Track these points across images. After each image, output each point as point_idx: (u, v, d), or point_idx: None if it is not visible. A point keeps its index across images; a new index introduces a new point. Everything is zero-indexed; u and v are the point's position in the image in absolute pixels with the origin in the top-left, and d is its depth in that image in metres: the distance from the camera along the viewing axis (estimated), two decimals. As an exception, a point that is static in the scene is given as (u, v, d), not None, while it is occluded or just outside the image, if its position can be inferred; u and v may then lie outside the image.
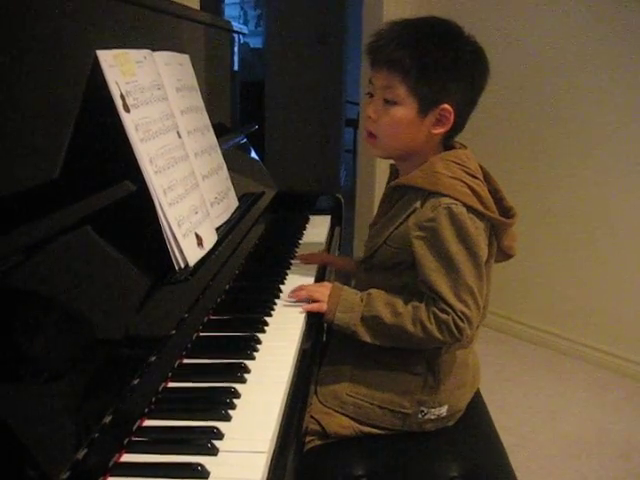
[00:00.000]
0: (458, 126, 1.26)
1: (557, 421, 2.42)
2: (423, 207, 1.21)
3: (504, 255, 1.32)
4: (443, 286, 1.17)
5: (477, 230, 1.19)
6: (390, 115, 1.23)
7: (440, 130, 1.24)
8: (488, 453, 1.31)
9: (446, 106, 1.21)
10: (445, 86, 1.20)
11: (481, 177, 1.25)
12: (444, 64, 1.18)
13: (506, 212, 1.27)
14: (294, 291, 1.35)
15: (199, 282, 1.18)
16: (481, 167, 1.29)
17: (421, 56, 1.17)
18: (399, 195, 1.29)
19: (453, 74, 1.19)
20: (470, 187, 1.19)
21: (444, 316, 1.17)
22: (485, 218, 1.20)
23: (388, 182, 1.39)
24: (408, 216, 1.23)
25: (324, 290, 1.31)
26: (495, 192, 1.27)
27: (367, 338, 1.24)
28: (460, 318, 1.17)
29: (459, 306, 1.17)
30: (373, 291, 1.27)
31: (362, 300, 1.26)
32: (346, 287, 1.31)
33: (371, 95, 1.26)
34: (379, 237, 1.29)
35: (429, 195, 1.20)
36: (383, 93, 1.22)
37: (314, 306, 1.29)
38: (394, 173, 1.38)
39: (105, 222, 0.99)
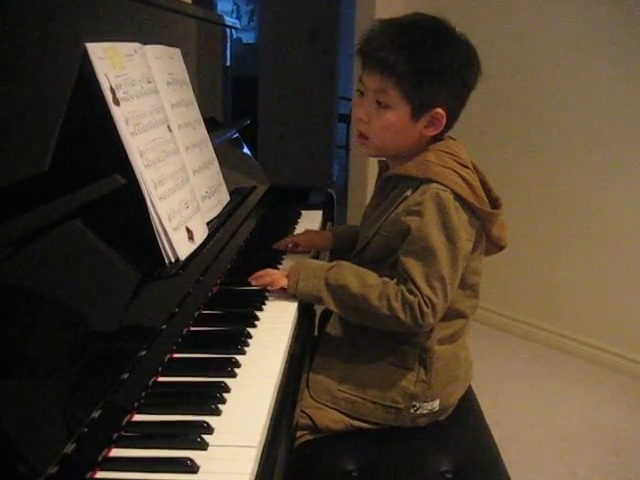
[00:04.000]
0: (449, 125, 1.26)
1: (548, 416, 2.43)
2: (413, 194, 1.22)
3: (495, 246, 1.32)
4: (415, 268, 1.17)
5: (460, 221, 1.19)
6: (382, 118, 1.23)
7: (432, 132, 1.25)
8: (479, 448, 1.31)
9: (439, 110, 1.21)
10: (438, 91, 1.20)
11: (471, 167, 1.26)
12: (438, 70, 1.18)
13: (493, 202, 1.28)
14: (255, 277, 1.33)
15: (190, 276, 1.17)
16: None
17: (415, 62, 1.17)
18: (391, 187, 1.30)
19: (446, 79, 1.19)
20: (462, 176, 1.20)
21: (410, 297, 1.17)
22: (470, 210, 1.21)
23: (378, 177, 1.39)
24: (399, 204, 1.24)
25: (285, 271, 1.31)
26: (483, 184, 1.28)
27: (332, 306, 1.24)
28: (425, 303, 1.17)
29: (427, 291, 1.17)
30: (344, 262, 1.27)
31: (327, 266, 1.26)
32: (310, 259, 1.31)
33: (361, 93, 1.26)
34: (372, 228, 1.30)
35: (420, 183, 1.21)
36: (375, 95, 1.22)
37: (275, 283, 1.29)
38: (384, 167, 1.38)
39: (95, 216, 0.98)
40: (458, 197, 1.19)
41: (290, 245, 1.59)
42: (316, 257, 1.58)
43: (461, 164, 1.23)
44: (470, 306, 1.31)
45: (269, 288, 1.32)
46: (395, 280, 1.21)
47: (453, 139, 1.31)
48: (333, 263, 1.27)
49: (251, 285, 1.37)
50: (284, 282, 1.29)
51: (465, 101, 1.26)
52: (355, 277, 1.22)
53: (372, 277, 1.22)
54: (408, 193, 1.23)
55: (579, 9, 2.65)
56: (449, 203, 1.17)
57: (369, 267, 1.29)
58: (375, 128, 1.25)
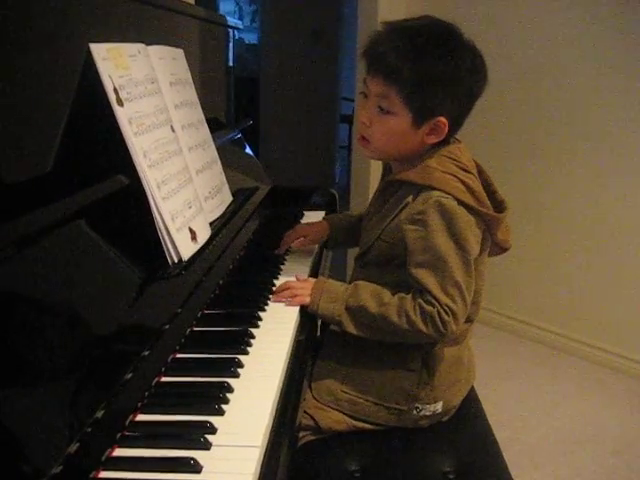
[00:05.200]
0: (452, 133, 1.25)
1: (551, 417, 2.43)
2: (415, 201, 1.21)
3: (499, 249, 1.32)
4: (430, 279, 1.17)
5: (467, 225, 1.18)
6: (384, 124, 1.22)
7: (434, 139, 1.23)
8: (481, 448, 1.31)
9: (441, 118, 1.20)
10: (442, 100, 1.18)
11: (474, 171, 1.25)
12: (443, 79, 1.16)
13: (498, 205, 1.27)
14: (277, 292, 1.34)
15: (193, 277, 1.17)
16: (474, 161, 1.28)
17: (420, 69, 1.15)
18: (393, 191, 1.29)
19: (451, 89, 1.18)
20: (463, 182, 1.19)
21: (429, 308, 1.17)
22: (476, 213, 1.20)
23: (382, 178, 1.39)
24: (401, 210, 1.23)
25: (307, 285, 1.31)
26: (487, 185, 1.27)
27: (352, 329, 1.24)
28: (445, 312, 1.17)
29: (445, 300, 1.17)
30: (360, 282, 1.27)
31: (347, 290, 1.26)
32: (330, 279, 1.31)
33: (365, 95, 1.25)
34: (373, 233, 1.29)
35: (421, 189, 1.20)
36: (378, 100, 1.21)
37: (297, 299, 1.29)
38: (387, 169, 1.38)
39: (98, 216, 0.98)
40: (461, 203, 1.18)
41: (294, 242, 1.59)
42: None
43: (463, 169, 1.22)
44: (475, 309, 1.31)
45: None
46: (410, 294, 1.20)
47: (458, 141, 1.30)
48: (351, 285, 1.27)
49: (253, 285, 1.38)
50: (305, 301, 1.29)
51: (470, 109, 1.24)
52: (372, 296, 1.22)
53: (388, 295, 1.22)
54: (409, 199, 1.22)
55: (583, 13, 2.65)
56: (453, 209, 1.17)
57: (372, 269, 1.30)
58: (376, 132, 1.24)
